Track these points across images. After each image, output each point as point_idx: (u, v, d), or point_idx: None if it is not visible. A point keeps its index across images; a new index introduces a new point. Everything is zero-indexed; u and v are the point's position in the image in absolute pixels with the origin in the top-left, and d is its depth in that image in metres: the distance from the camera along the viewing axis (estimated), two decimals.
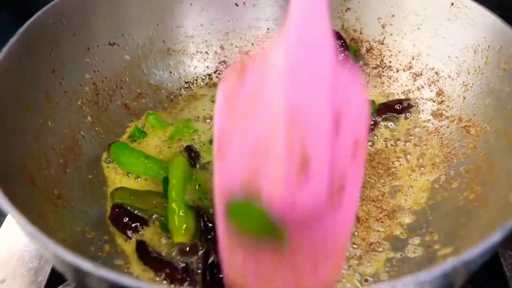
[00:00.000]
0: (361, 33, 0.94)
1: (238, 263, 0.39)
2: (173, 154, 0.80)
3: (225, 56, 0.99)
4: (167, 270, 0.64)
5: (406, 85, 0.90)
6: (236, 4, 0.97)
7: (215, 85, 0.97)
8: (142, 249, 0.67)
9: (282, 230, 0.36)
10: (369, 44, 0.94)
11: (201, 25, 0.96)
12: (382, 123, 0.86)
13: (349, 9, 0.94)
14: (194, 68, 0.97)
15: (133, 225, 0.70)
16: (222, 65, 0.99)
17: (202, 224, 0.67)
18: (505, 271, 0.69)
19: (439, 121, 0.84)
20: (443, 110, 0.84)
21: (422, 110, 0.87)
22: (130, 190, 0.74)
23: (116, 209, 0.71)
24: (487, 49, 0.76)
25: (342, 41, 0.91)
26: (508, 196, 0.61)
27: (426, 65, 0.88)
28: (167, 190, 0.71)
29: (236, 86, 0.38)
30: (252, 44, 1.00)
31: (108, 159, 0.79)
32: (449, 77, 0.84)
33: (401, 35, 0.91)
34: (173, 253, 0.67)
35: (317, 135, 0.38)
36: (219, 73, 0.98)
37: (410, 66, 0.90)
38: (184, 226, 0.67)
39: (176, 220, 0.68)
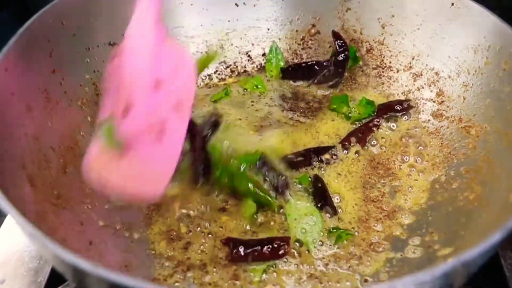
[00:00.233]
0: (361, 33, 0.94)
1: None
2: None
3: (225, 56, 0.99)
4: None
5: (406, 86, 0.90)
6: (236, 4, 0.97)
7: (215, 85, 0.97)
8: None
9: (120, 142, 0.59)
10: (369, 44, 0.94)
11: (201, 25, 0.97)
12: (383, 123, 0.86)
13: (349, 9, 0.94)
14: None
15: None
16: (222, 65, 0.99)
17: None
18: (505, 272, 0.69)
19: (439, 122, 0.84)
20: (443, 110, 0.84)
21: (422, 111, 0.87)
22: None
23: None
24: (487, 49, 0.76)
25: (341, 42, 0.91)
26: (508, 196, 0.61)
27: (426, 65, 0.88)
28: None
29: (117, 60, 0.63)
30: (252, 44, 1.00)
31: None
32: (449, 77, 0.84)
33: (401, 35, 0.91)
34: None
35: (138, 90, 0.60)
36: (219, 73, 0.98)
37: (410, 67, 0.90)
38: None
39: None
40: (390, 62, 0.93)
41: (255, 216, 0.73)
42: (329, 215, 0.73)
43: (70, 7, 0.77)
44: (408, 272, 0.66)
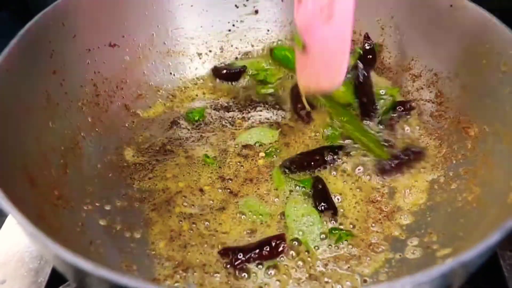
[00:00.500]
0: (360, 34, 0.94)
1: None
2: None
3: (225, 58, 0.99)
4: None
5: (405, 87, 0.91)
6: (236, 5, 0.98)
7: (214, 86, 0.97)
8: None
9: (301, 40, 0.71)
10: None
11: (201, 26, 0.97)
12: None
13: None
14: (195, 69, 0.97)
15: None
16: (221, 66, 0.99)
17: None
18: (504, 272, 0.70)
19: (438, 122, 0.84)
20: (442, 111, 0.84)
21: (421, 111, 0.87)
22: None
23: None
24: (486, 50, 0.76)
25: (370, 42, 0.92)
26: (507, 197, 0.61)
27: (425, 66, 0.88)
28: None
29: None
30: (252, 45, 1.00)
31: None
32: (448, 78, 0.84)
33: (400, 36, 0.91)
34: None
35: None
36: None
37: (409, 68, 0.90)
38: None
39: None
40: (389, 63, 0.93)
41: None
42: (329, 216, 0.73)
43: (71, 8, 0.77)
44: (407, 272, 0.66)
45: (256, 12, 0.99)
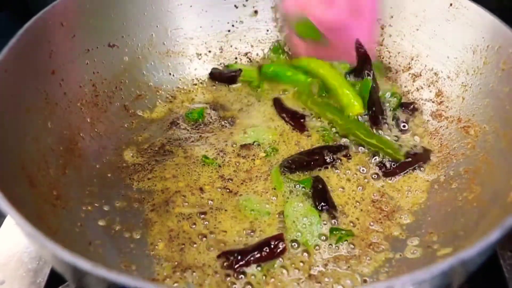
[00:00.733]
0: None
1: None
2: None
3: (225, 58, 0.99)
4: None
5: (405, 86, 0.91)
6: (235, 6, 0.98)
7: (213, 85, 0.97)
8: None
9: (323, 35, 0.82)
10: None
11: (201, 27, 0.97)
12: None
13: None
14: (194, 70, 0.97)
15: None
16: (221, 66, 0.99)
17: None
18: (504, 272, 0.69)
19: (438, 122, 0.84)
20: (442, 110, 0.84)
21: (422, 111, 0.87)
22: None
23: None
24: (486, 49, 0.77)
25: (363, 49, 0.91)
26: (507, 196, 0.61)
27: (425, 66, 0.88)
28: None
29: None
30: (252, 45, 1.00)
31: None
32: (448, 77, 0.84)
33: (400, 36, 0.91)
34: None
35: None
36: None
37: (409, 67, 0.90)
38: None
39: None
40: (389, 63, 0.93)
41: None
42: (329, 216, 0.73)
43: (70, 8, 0.77)
44: (407, 272, 0.65)
45: (256, 12, 0.99)
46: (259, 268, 0.66)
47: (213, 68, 0.97)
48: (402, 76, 0.91)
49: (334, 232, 0.71)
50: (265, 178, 0.79)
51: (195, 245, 0.70)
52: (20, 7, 1.12)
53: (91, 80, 0.82)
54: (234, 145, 0.85)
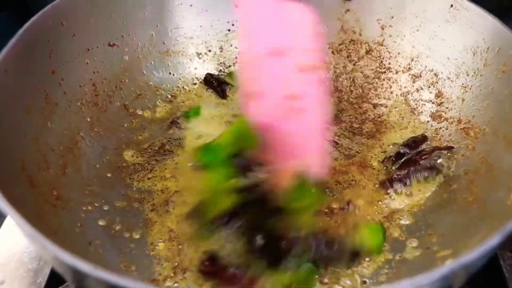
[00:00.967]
0: (360, 34, 0.94)
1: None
2: None
3: (225, 57, 0.99)
4: None
5: (405, 87, 0.91)
6: (235, 5, 0.97)
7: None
8: None
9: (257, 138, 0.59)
10: (368, 45, 0.94)
11: (201, 26, 0.97)
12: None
13: (349, 10, 0.94)
14: (194, 69, 0.97)
15: None
16: (221, 66, 0.99)
17: None
18: (504, 272, 0.69)
19: (438, 123, 0.84)
20: (442, 111, 0.84)
21: (421, 112, 0.87)
22: None
23: None
24: (486, 51, 0.77)
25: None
26: (507, 198, 0.61)
27: (425, 66, 0.88)
28: None
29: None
30: None
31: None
32: (448, 78, 0.84)
33: (400, 36, 0.91)
34: None
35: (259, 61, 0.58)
36: (218, 75, 0.98)
37: (409, 68, 0.90)
38: None
39: None
40: (389, 64, 0.93)
41: None
42: None
43: (70, 8, 0.77)
44: (407, 273, 0.66)
45: None
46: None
47: (208, 74, 0.96)
48: (402, 77, 0.91)
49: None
50: None
51: (195, 245, 0.70)
52: (20, 7, 1.11)
53: (91, 79, 0.82)
54: None
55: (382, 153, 0.83)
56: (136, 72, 0.90)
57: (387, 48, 0.93)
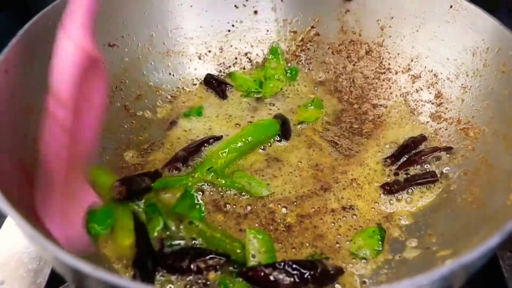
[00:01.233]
0: (360, 35, 0.94)
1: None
2: None
3: (225, 58, 0.99)
4: None
5: (404, 87, 0.91)
6: (235, 6, 0.98)
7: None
8: None
9: None
10: (368, 46, 0.94)
11: (201, 27, 0.97)
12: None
13: (349, 11, 0.94)
14: (194, 70, 0.97)
15: None
16: (221, 66, 0.99)
17: None
18: (504, 272, 0.70)
19: (437, 123, 0.84)
20: (442, 112, 0.84)
21: (421, 113, 0.87)
22: None
23: None
24: (486, 51, 0.77)
25: None
26: (507, 198, 0.61)
27: (425, 67, 0.88)
28: None
29: None
30: (252, 45, 1.00)
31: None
32: (448, 79, 0.85)
33: (400, 37, 0.91)
34: None
35: None
36: (218, 75, 0.98)
37: (409, 68, 0.90)
38: None
39: None
40: (389, 64, 0.93)
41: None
42: None
43: None
44: (406, 273, 0.66)
45: (256, 12, 0.99)
46: None
47: (208, 74, 0.97)
48: (401, 78, 0.91)
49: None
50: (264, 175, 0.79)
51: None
52: (20, 7, 1.11)
53: None
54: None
55: (382, 153, 0.83)
56: (136, 72, 0.90)
57: (386, 49, 0.93)
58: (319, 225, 0.72)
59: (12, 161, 0.61)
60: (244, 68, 0.99)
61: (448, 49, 0.84)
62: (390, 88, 0.92)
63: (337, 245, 0.70)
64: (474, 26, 0.79)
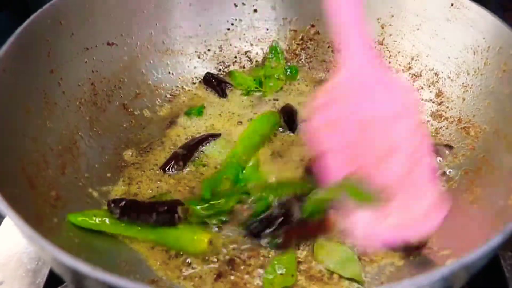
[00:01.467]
0: None
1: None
2: None
3: (224, 57, 0.99)
4: None
5: None
6: (235, 4, 0.97)
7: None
8: None
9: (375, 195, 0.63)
10: None
11: (200, 25, 0.96)
12: None
13: None
14: (193, 68, 0.97)
15: None
16: (220, 65, 0.98)
17: None
18: (505, 272, 0.69)
19: (438, 122, 0.84)
20: (443, 111, 0.84)
21: (421, 111, 0.87)
22: None
23: None
24: (487, 50, 0.76)
25: None
26: (508, 198, 0.61)
27: (426, 66, 0.88)
28: None
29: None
30: (251, 44, 0.99)
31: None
32: (449, 78, 0.84)
33: (400, 35, 0.91)
34: None
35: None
36: (218, 74, 0.97)
37: (410, 67, 0.90)
38: None
39: None
40: (389, 63, 0.92)
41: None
42: None
43: (69, 7, 0.77)
44: (407, 273, 0.65)
45: (255, 11, 0.98)
46: (258, 270, 0.66)
47: (207, 73, 0.96)
48: (402, 76, 0.91)
49: None
50: None
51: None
52: (20, 7, 1.11)
53: (90, 79, 0.82)
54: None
55: None
56: (135, 71, 0.90)
57: (387, 47, 0.93)
58: None
59: (10, 161, 0.61)
60: (243, 67, 0.99)
61: (449, 47, 0.84)
62: None
63: None
64: (475, 25, 0.78)
